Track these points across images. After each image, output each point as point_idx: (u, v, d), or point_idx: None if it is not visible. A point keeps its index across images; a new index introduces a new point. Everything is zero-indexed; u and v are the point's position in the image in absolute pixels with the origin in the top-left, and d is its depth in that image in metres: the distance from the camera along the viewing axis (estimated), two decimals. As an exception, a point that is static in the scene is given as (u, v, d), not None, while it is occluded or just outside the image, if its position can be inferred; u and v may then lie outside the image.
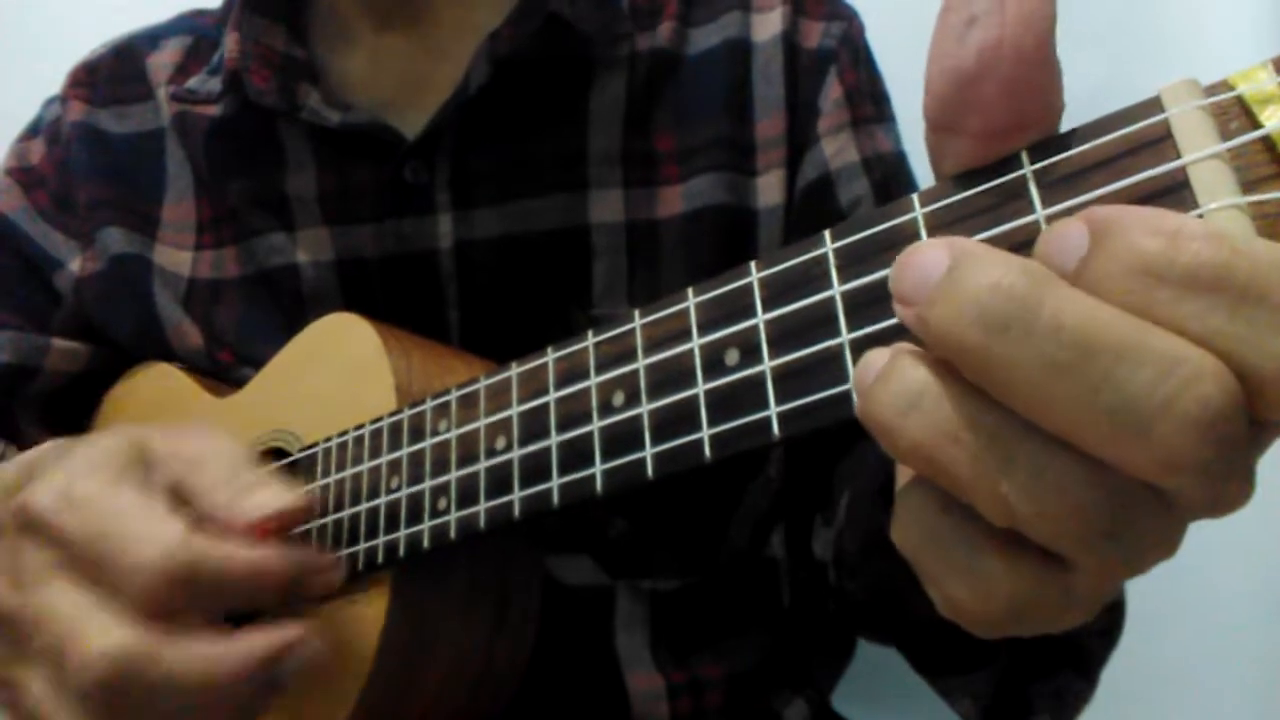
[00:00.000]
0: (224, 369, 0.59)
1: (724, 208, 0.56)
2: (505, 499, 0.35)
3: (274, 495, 0.38)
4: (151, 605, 0.35)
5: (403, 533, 0.40)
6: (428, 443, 0.40)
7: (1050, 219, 0.23)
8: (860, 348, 0.25)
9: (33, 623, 0.36)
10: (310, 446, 0.47)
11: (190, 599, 0.35)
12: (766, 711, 0.59)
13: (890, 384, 0.22)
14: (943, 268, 0.21)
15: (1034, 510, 0.20)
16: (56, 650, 0.35)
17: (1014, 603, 0.22)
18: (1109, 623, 0.47)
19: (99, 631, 0.34)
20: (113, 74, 0.66)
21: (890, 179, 0.57)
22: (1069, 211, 0.23)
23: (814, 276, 0.27)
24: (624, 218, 0.56)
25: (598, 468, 0.32)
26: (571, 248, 0.56)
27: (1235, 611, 0.79)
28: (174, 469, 0.39)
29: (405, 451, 0.41)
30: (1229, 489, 0.20)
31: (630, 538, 0.55)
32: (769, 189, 0.57)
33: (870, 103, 0.59)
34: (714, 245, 0.56)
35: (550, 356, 0.35)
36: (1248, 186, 0.21)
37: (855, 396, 0.23)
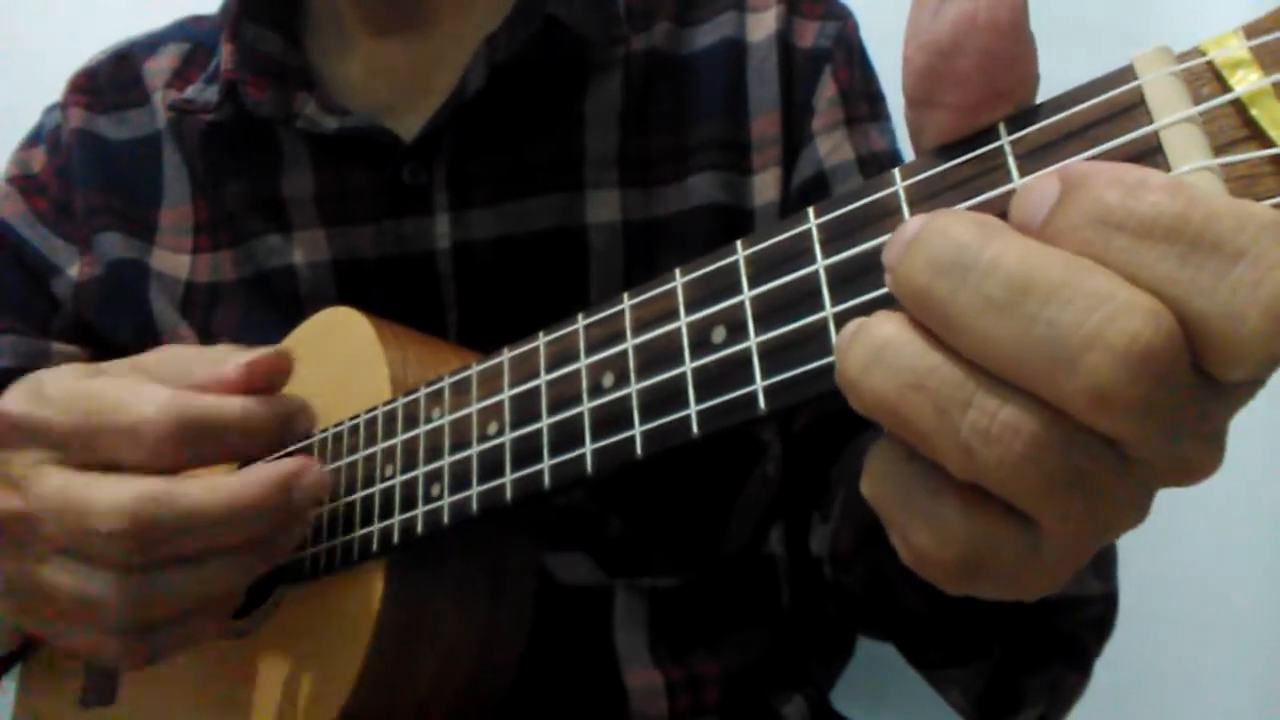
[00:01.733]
0: None
1: (720, 207, 0.57)
2: (497, 482, 0.36)
3: (252, 352, 0.39)
4: (156, 461, 0.36)
5: (397, 519, 0.40)
6: (421, 430, 0.40)
7: None
8: (844, 320, 0.26)
9: (39, 514, 0.36)
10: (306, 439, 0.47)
11: (191, 449, 0.36)
12: (765, 709, 0.59)
13: (858, 340, 0.22)
14: (915, 230, 0.22)
15: (992, 455, 0.20)
16: (70, 525, 0.36)
17: (972, 551, 0.22)
18: (1101, 614, 0.47)
19: (111, 490, 0.35)
20: (112, 80, 0.66)
21: None
22: None
23: (798, 252, 0.27)
24: (620, 217, 0.56)
25: (588, 448, 0.32)
26: (568, 248, 0.56)
27: (1237, 612, 0.78)
28: (145, 370, 0.40)
29: (399, 439, 0.41)
30: (1186, 448, 0.21)
31: (628, 536, 0.55)
32: (764, 188, 0.57)
33: (865, 102, 0.60)
34: (710, 244, 0.55)
35: (541, 340, 0.35)
36: (1219, 149, 0.21)
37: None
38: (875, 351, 0.22)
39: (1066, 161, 0.23)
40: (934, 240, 0.21)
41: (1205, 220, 0.19)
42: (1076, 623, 0.46)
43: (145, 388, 0.37)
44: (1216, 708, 0.78)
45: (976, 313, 0.20)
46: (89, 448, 0.37)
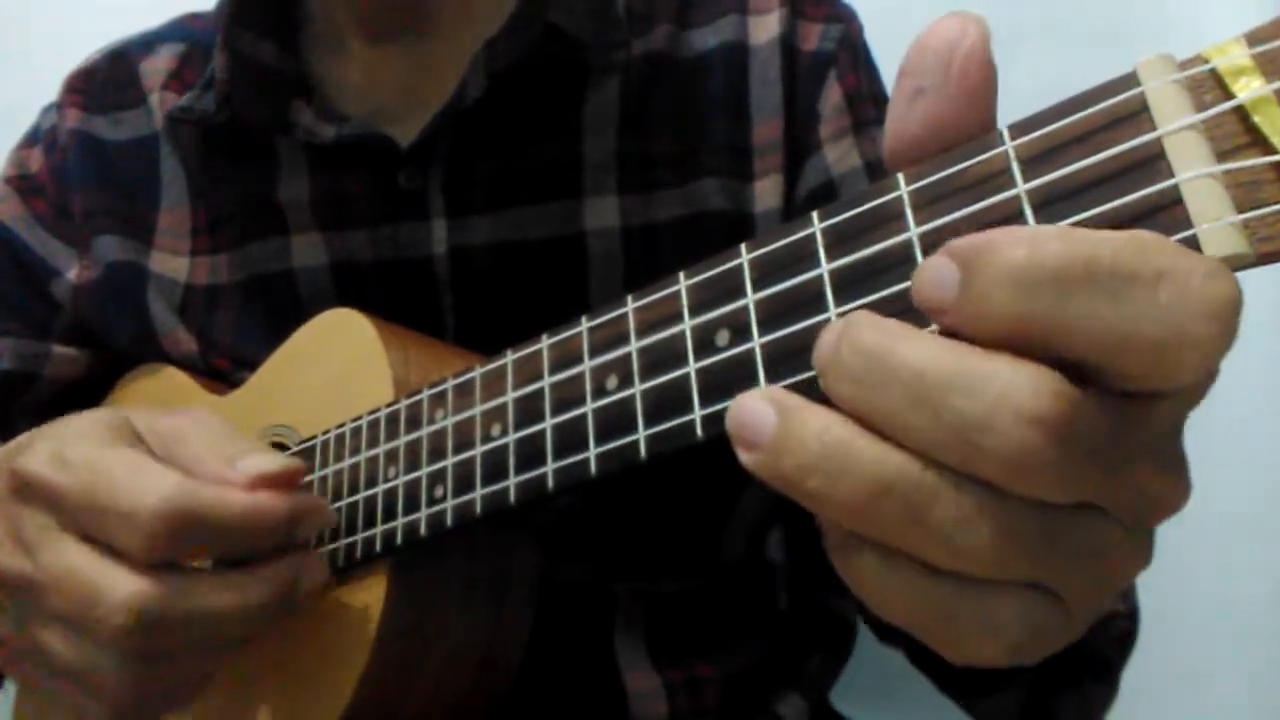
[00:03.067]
0: (221, 374, 0.60)
1: (721, 213, 0.56)
2: (501, 485, 0.36)
3: (263, 460, 0.39)
4: (153, 551, 0.36)
5: (400, 521, 0.40)
6: (424, 431, 0.40)
7: (1031, 194, 0.23)
8: None
9: (46, 585, 0.37)
10: (308, 440, 0.47)
11: (191, 542, 0.37)
12: (765, 709, 0.59)
13: (804, 448, 0.23)
14: (833, 341, 0.23)
15: (969, 541, 0.22)
16: (77, 607, 0.36)
17: (1026, 637, 0.23)
18: (1126, 630, 0.48)
19: (116, 582, 0.36)
20: (108, 80, 0.66)
21: None
22: (1050, 186, 0.23)
23: (802, 256, 0.27)
24: (619, 223, 0.56)
25: (592, 451, 0.32)
26: (567, 255, 0.56)
27: (1238, 612, 0.79)
28: (158, 442, 0.40)
29: (402, 441, 0.41)
30: (1139, 484, 0.22)
31: (627, 542, 0.55)
32: (766, 193, 0.57)
33: (871, 105, 0.59)
34: (711, 250, 0.55)
35: (545, 343, 0.35)
36: (1222, 156, 0.21)
37: (742, 451, 0.24)
38: (839, 463, 0.23)
39: (1070, 167, 0.23)
40: (846, 354, 0.23)
41: (1114, 255, 0.20)
42: (1102, 641, 0.47)
43: (152, 473, 0.37)
44: (1216, 708, 0.78)
45: (896, 412, 0.22)
46: (91, 524, 0.37)
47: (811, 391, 0.26)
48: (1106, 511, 0.22)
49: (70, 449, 0.38)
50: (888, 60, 0.62)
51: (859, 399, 0.22)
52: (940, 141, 0.25)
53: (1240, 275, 0.21)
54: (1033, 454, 0.20)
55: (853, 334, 0.23)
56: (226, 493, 0.37)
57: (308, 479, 0.46)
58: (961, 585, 0.23)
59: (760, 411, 0.24)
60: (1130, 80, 0.23)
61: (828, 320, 0.26)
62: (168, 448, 0.40)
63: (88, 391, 0.65)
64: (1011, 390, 0.20)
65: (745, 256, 0.29)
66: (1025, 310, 0.21)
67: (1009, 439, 0.20)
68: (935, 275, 0.22)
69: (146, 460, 0.38)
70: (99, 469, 0.37)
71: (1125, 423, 0.21)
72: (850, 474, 0.22)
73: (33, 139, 0.67)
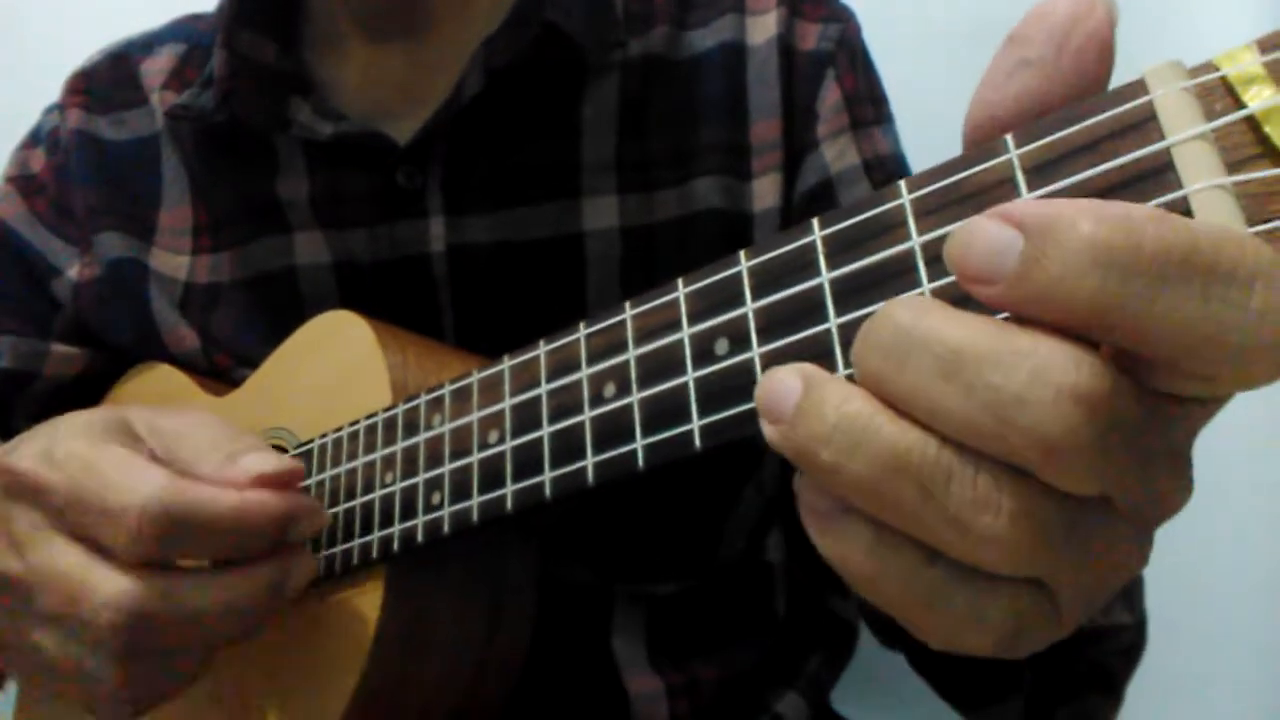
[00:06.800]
0: (222, 371, 0.60)
1: (719, 212, 0.56)
2: (498, 493, 0.35)
3: (263, 459, 0.38)
4: (139, 549, 0.35)
5: (397, 527, 0.40)
6: (421, 437, 0.40)
7: None
8: (848, 332, 0.25)
9: (35, 584, 0.37)
10: (306, 443, 0.47)
11: (179, 541, 0.36)
12: (765, 710, 0.59)
13: (821, 417, 0.22)
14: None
15: (984, 523, 0.21)
16: (65, 606, 0.36)
17: (1012, 630, 0.22)
18: (1131, 642, 0.47)
19: (102, 581, 0.35)
20: (108, 81, 0.66)
21: (891, 180, 0.57)
22: (1055, 195, 0.23)
23: (802, 264, 0.27)
24: (618, 224, 0.56)
25: (589, 459, 0.32)
26: (565, 254, 0.55)
27: (1237, 609, 0.78)
28: (159, 442, 0.40)
29: (399, 446, 0.41)
30: (1153, 482, 0.21)
31: (626, 544, 0.55)
32: (764, 193, 0.57)
33: (869, 105, 0.59)
34: (709, 249, 0.55)
35: (542, 349, 0.35)
36: (1232, 166, 0.21)
37: (766, 424, 0.23)
38: (855, 436, 0.21)
39: (1076, 177, 0.22)
40: (877, 325, 0.22)
41: (1216, 248, 0.18)
42: (1107, 652, 0.46)
43: (141, 471, 0.36)
44: (1218, 708, 0.78)
45: (924, 387, 0.21)
46: (79, 522, 0.36)
47: None
48: (1118, 508, 0.21)
49: (60, 446, 0.38)
50: (887, 60, 0.61)
51: (885, 373, 0.21)
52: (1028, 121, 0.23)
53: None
54: (1069, 433, 0.19)
55: (886, 308, 0.22)
56: (217, 492, 0.36)
57: (304, 483, 0.45)
58: (958, 573, 0.22)
59: (787, 384, 0.23)
60: (1138, 88, 0.22)
61: (828, 330, 0.26)
62: (169, 448, 0.39)
63: (87, 390, 0.65)
64: (1050, 364, 0.19)
65: (745, 264, 0.29)
66: (1106, 296, 0.19)
67: (1046, 414, 0.19)
68: (992, 240, 0.20)
69: (136, 458, 0.37)
70: (88, 467, 0.37)
71: (1157, 419, 0.20)
72: (866, 447, 0.21)
73: (35, 139, 0.68)
